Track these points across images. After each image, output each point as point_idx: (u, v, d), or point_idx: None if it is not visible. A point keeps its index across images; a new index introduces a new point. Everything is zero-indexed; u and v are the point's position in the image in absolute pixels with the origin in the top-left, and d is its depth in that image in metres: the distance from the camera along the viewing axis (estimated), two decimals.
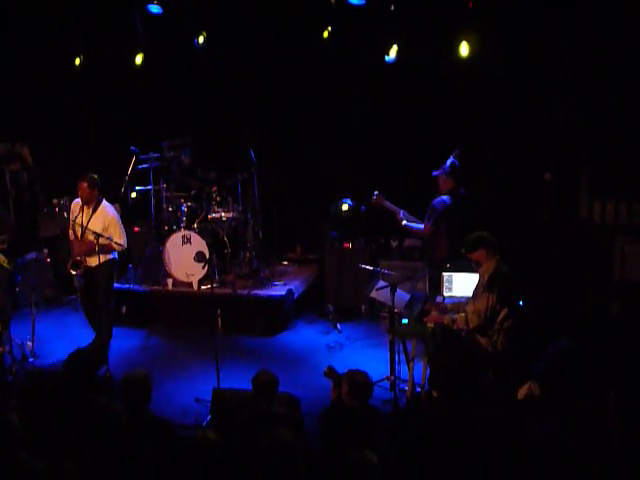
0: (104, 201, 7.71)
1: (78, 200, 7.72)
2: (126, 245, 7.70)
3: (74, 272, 7.59)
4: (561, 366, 6.36)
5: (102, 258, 7.42)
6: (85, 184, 7.53)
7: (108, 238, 7.38)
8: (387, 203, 8.15)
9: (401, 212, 8.14)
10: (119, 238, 7.53)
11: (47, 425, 4.91)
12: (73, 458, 4.24)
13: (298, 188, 10.13)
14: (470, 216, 8.04)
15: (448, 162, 7.95)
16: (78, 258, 7.57)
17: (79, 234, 7.61)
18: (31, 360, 7.84)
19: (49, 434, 4.80)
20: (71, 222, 7.70)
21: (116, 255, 7.80)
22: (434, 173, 8.00)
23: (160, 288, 9.26)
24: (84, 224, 7.54)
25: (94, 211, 7.58)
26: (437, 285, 7.64)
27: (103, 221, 7.53)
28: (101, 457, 4.34)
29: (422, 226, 8.01)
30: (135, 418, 4.84)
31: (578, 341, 6.87)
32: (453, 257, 7.73)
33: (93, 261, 7.53)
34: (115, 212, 7.82)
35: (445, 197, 7.92)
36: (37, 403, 5.36)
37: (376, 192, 8.16)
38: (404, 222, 8.10)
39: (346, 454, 4.08)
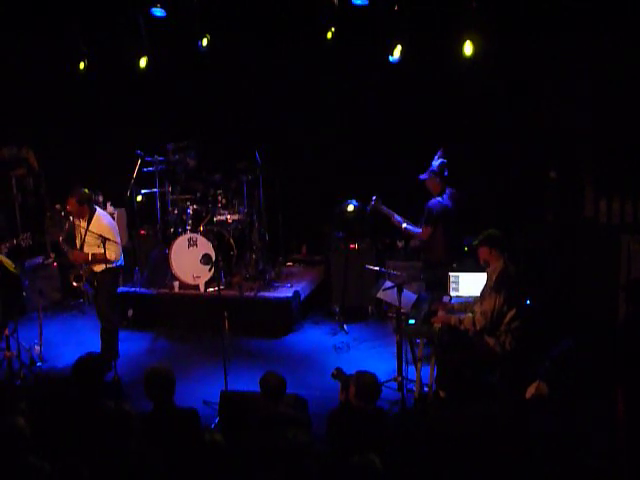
0: (98, 210, 7.62)
1: None
2: (119, 257, 7.52)
3: (76, 284, 7.61)
4: (567, 365, 6.38)
5: (104, 265, 7.37)
6: (74, 200, 7.41)
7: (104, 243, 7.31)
8: (384, 208, 8.10)
9: (396, 216, 8.08)
10: (112, 250, 7.34)
11: (56, 428, 4.93)
12: (81, 460, 4.25)
13: (303, 189, 10.12)
14: (466, 216, 8.04)
15: (436, 163, 7.89)
16: (80, 272, 7.57)
17: (78, 245, 7.58)
18: (39, 364, 7.86)
19: (57, 437, 4.82)
20: (76, 228, 7.68)
21: (122, 262, 7.77)
22: (421, 177, 7.92)
23: (167, 291, 9.27)
24: (82, 236, 7.49)
25: (89, 223, 7.48)
26: (435, 286, 7.63)
27: (98, 231, 7.40)
28: (109, 459, 4.34)
29: (419, 230, 7.96)
30: (160, 412, 5.08)
31: (584, 341, 6.88)
32: (451, 259, 7.70)
33: (98, 267, 7.51)
34: (111, 220, 7.76)
35: (439, 198, 7.87)
36: (46, 407, 5.38)
37: (374, 197, 8.12)
38: (404, 225, 8.04)
39: (351, 456, 4.09)
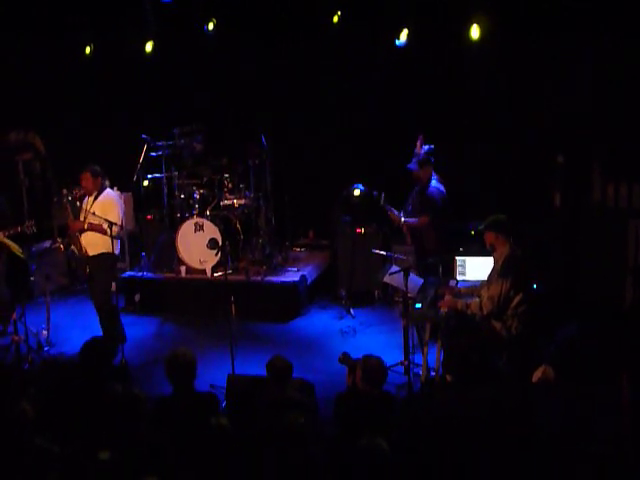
0: (108, 189, 7.71)
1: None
2: (115, 233, 7.43)
3: (60, 244, 7.64)
4: (574, 350, 6.38)
5: (100, 248, 7.40)
6: (88, 174, 7.51)
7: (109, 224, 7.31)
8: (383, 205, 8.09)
9: (394, 211, 8.04)
10: (114, 218, 7.36)
11: (64, 413, 4.96)
12: (90, 445, 4.28)
13: (310, 173, 10.10)
14: (473, 202, 7.99)
15: (423, 150, 7.84)
16: (72, 246, 7.61)
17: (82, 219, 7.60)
18: (46, 348, 7.91)
19: (66, 421, 4.85)
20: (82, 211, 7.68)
21: (118, 251, 7.75)
22: (411, 167, 7.85)
23: (173, 275, 9.30)
24: (88, 210, 7.51)
25: (96, 198, 7.54)
26: (428, 273, 7.61)
27: (102, 205, 7.48)
28: (118, 443, 4.37)
29: (417, 219, 7.92)
30: (180, 395, 5.10)
31: (591, 325, 6.87)
32: (444, 247, 7.65)
33: (92, 250, 7.51)
34: (118, 198, 7.82)
35: (435, 185, 7.83)
36: (54, 391, 5.41)
37: (375, 194, 8.07)
38: (403, 219, 8.01)
39: (359, 440, 4.11)
